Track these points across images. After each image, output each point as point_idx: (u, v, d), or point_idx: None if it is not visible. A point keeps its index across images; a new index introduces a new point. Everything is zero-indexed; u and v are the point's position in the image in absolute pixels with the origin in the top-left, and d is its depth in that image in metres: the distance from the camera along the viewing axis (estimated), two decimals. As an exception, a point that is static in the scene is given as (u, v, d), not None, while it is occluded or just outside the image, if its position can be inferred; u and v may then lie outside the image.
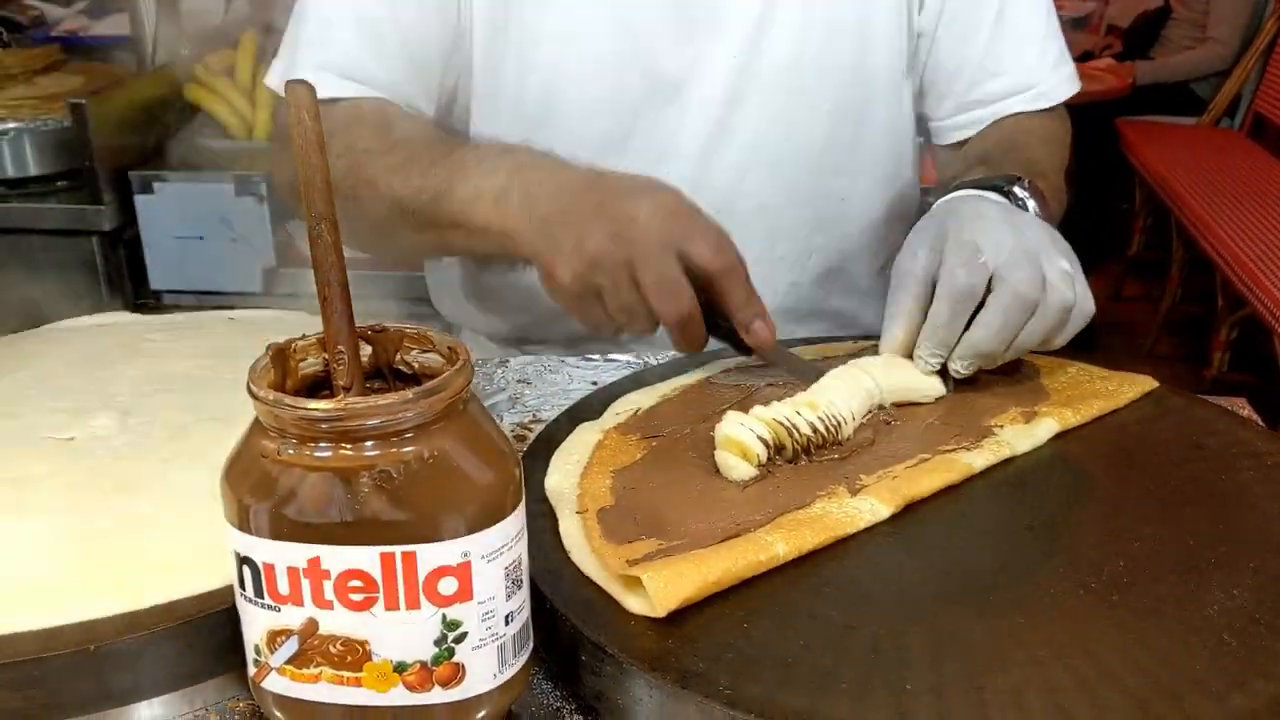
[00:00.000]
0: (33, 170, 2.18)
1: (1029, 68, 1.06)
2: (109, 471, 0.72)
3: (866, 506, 0.67)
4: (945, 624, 0.59)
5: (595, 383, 0.98)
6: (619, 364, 0.98)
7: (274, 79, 1.04)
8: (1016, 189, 0.86)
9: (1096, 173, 4.27)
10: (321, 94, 0.97)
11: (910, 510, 0.69)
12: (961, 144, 1.10)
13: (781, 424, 0.72)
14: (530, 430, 0.87)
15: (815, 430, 0.72)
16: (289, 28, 1.03)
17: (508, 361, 1.00)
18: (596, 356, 1.00)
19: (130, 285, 2.25)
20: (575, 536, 0.65)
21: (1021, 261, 0.76)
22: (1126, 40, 4.49)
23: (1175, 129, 4.09)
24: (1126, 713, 0.52)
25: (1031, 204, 0.86)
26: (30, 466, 0.73)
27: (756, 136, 1.03)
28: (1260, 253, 2.93)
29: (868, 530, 0.66)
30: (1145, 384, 0.83)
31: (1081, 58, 4.36)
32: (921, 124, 1.14)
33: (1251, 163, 3.72)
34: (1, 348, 0.93)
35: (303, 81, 0.56)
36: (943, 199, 0.87)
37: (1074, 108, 3.61)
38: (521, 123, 1.00)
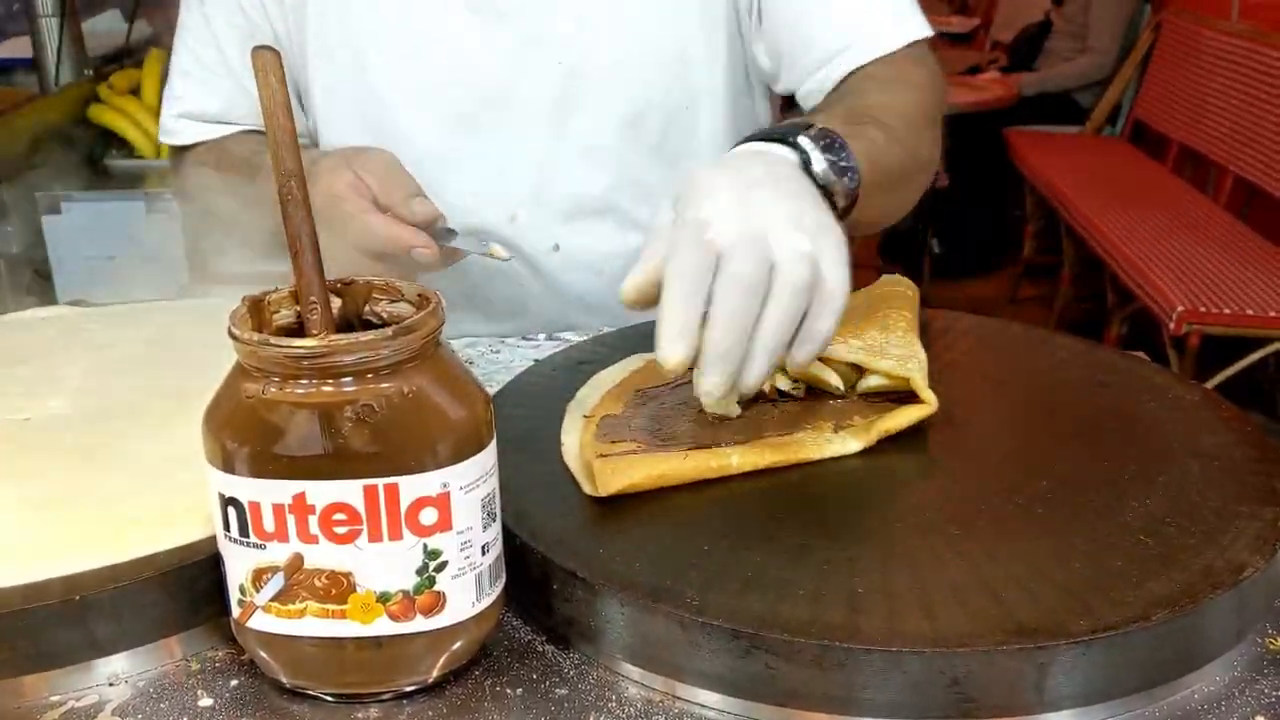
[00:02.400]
0: (-65, 194, 2.15)
1: (857, 22, 1.00)
2: (72, 445, 0.74)
3: (838, 440, 0.72)
4: (889, 540, 0.64)
5: (537, 361, 1.01)
6: (561, 342, 1.02)
7: (161, 136, 1.17)
8: (801, 138, 0.76)
9: (988, 181, 4.44)
10: (181, 141, 1.12)
11: (846, 450, 0.74)
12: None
13: None
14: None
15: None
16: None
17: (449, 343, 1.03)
18: (540, 336, 1.04)
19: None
20: (572, 435, 0.73)
21: (745, 243, 0.66)
22: (1011, 54, 4.68)
23: (1061, 137, 4.26)
24: (1058, 600, 0.57)
25: (816, 154, 0.75)
26: (-11, 445, 0.74)
27: (593, 137, 1.05)
28: (1145, 250, 3.07)
29: (816, 465, 0.71)
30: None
31: (969, 71, 4.53)
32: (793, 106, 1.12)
33: (1133, 166, 3.90)
34: (-59, 343, 0.93)
35: (268, 47, 0.59)
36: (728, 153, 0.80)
37: (964, 118, 3.75)
38: (366, 141, 1.02)
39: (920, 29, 1.02)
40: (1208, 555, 0.61)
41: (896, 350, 0.77)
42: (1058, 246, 3.89)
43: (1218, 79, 3.62)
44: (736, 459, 0.68)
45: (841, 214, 0.75)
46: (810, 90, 1.04)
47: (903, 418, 0.74)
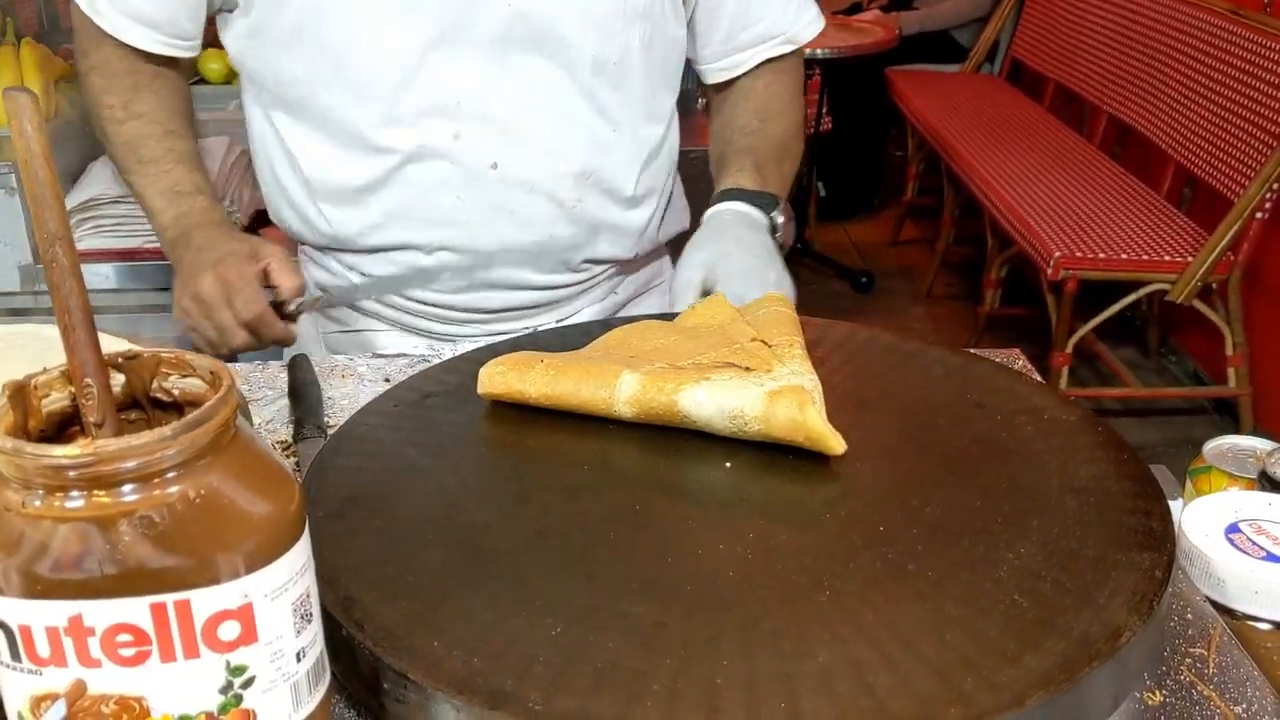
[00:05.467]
0: None
1: (777, 17, 1.25)
2: None
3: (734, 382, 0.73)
4: (752, 611, 0.59)
5: (388, 379, 0.94)
6: (412, 358, 0.95)
7: (83, 4, 1.18)
8: (775, 215, 1.13)
9: (871, 123, 4.42)
10: (99, 22, 1.18)
11: (710, 499, 0.69)
12: (727, 84, 1.29)
13: None
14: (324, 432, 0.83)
15: None
16: None
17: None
18: (384, 356, 0.97)
19: None
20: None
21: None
22: (891, -9, 4.65)
23: (940, 76, 4.26)
24: (930, 684, 0.53)
25: (780, 221, 1.13)
26: None
27: (533, 74, 1.13)
28: (1023, 194, 3.09)
29: (672, 524, 0.66)
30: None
31: (850, 10, 4.49)
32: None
33: (1011, 106, 3.92)
34: None
35: (25, 89, 0.51)
36: (713, 211, 1.13)
37: (847, 61, 3.69)
38: (320, 68, 1.10)
39: (819, 23, 1.28)
40: (1084, 618, 0.57)
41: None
42: (940, 187, 3.91)
43: (1091, 18, 3.64)
44: (628, 377, 0.74)
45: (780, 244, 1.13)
46: (722, 66, 1.27)
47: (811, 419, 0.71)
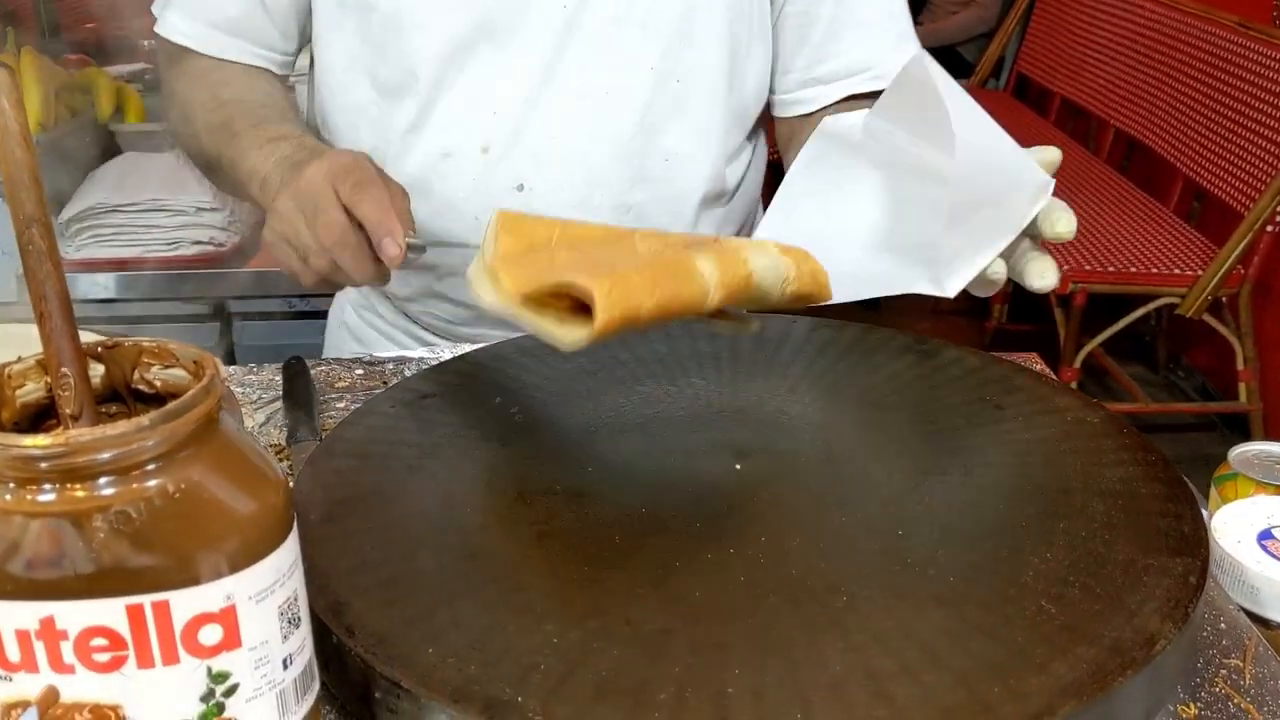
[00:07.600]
0: None
1: (867, 49, 1.07)
2: None
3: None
4: (762, 618, 0.56)
5: (385, 382, 0.92)
6: (410, 360, 0.92)
7: (162, 28, 1.10)
8: None
9: (876, 137, 4.40)
10: (182, 41, 1.10)
11: (719, 501, 0.66)
12: (803, 117, 1.10)
13: None
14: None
15: None
16: None
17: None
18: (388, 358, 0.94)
19: None
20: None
21: None
22: (896, 7, 4.64)
23: (946, 91, 4.24)
24: (951, 693, 0.50)
25: None
26: None
27: (580, 88, 1.02)
28: (1031, 207, 3.06)
29: (680, 527, 0.63)
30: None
31: (856, 25, 4.48)
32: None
33: (1017, 120, 3.90)
34: None
35: (2, 64, 0.48)
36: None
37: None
38: (362, 61, 1.03)
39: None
40: (1115, 624, 0.54)
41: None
42: (945, 202, 3.88)
43: (1098, 32, 3.62)
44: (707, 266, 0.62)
45: None
46: (799, 98, 1.09)
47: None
